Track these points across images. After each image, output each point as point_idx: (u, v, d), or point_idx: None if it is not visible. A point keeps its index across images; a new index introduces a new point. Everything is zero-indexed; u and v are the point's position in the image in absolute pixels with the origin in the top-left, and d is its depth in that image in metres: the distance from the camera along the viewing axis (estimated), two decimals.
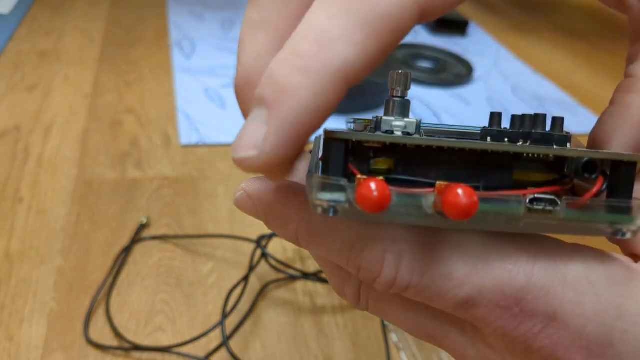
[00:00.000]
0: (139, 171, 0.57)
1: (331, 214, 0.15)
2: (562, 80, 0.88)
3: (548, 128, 0.18)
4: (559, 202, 0.16)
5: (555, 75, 0.90)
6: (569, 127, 0.80)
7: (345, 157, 0.16)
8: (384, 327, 0.43)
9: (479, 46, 0.98)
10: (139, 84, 0.74)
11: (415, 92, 0.79)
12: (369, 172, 0.17)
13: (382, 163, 0.17)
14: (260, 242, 0.48)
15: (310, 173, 0.16)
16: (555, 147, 0.17)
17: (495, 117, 0.18)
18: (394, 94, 0.17)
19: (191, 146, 0.62)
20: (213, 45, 0.87)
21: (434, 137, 0.17)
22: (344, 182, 0.15)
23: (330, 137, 0.15)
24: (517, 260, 0.17)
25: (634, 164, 0.16)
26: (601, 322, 0.16)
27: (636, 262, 0.18)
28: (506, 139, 0.17)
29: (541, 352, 0.17)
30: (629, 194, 0.16)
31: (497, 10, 1.17)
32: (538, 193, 0.16)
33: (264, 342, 0.41)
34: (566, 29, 1.11)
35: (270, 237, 0.49)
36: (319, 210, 0.15)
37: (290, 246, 0.50)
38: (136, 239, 0.48)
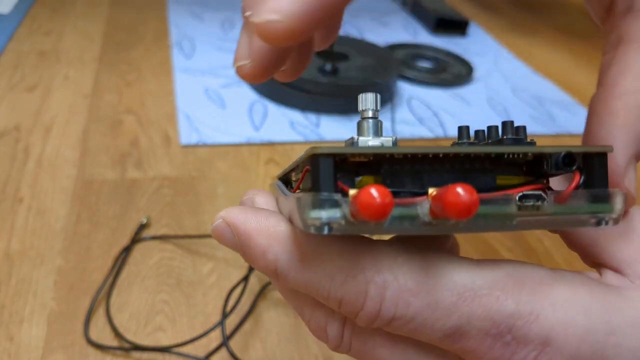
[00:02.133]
0: (139, 171, 0.57)
1: (325, 232, 0.15)
2: (562, 80, 0.88)
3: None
4: (546, 197, 0.17)
5: (555, 75, 0.90)
6: (568, 127, 0.79)
7: (335, 172, 0.16)
8: None
9: (479, 46, 0.98)
10: (139, 84, 0.74)
11: (415, 92, 0.79)
12: (354, 183, 0.17)
13: (367, 180, 0.17)
14: None
15: (299, 197, 0.16)
16: (533, 149, 0.17)
17: (464, 130, 0.18)
18: (365, 115, 0.18)
19: (191, 146, 0.62)
20: (213, 45, 0.87)
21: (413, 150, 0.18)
22: (338, 197, 0.15)
23: (318, 154, 0.16)
24: (504, 286, 0.16)
25: (604, 154, 0.17)
26: (594, 341, 0.16)
27: (599, 272, 0.18)
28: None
29: None
30: (604, 183, 0.17)
31: (497, 10, 1.17)
32: (525, 191, 0.17)
33: (264, 342, 0.41)
34: (566, 29, 1.11)
35: None
36: (312, 229, 0.15)
37: None
38: (136, 239, 0.48)
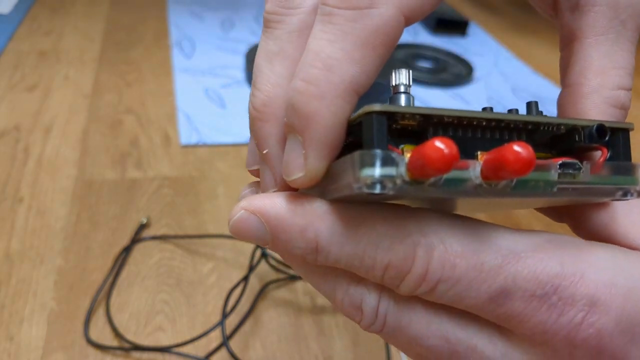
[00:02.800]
0: (139, 171, 0.57)
1: (377, 191, 0.15)
2: None
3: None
4: (582, 166, 0.17)
5: (555, 75, 0.90)
6: None
7: (387, 130, 0.16)
8: None
9: (479, 46, 0.98)
10: (139, 84, 0.74)
11: (415, 92, 0.79)
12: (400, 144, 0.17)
13: (409, 148, 0.17)
14: None
15: (352, 155, 0.16)
16: (569, 120, 0.18)
17: (488, 109, 0.18)
18: (397, 90, 0.18)
19: (191, 146, 0.62)
20: (213, 45, 0.87)
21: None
22: (395, 154, 0.15)
23: (371, 112, 0.15)
24: (546, 250, 0.17)
25: (627, 130, 0.18)
26: (637, 299, 0.16)
27: None
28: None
29: (585, 344, 0.16)
30: (628, 156, 0.18)
31: (497, 10, 1.17)
32: (565, 160, 0.17)
33: (264, 342, 0.41)
34: None
35: None
36: (364, 189, 0.15)
37: None
38: (136, 239, 0.48)
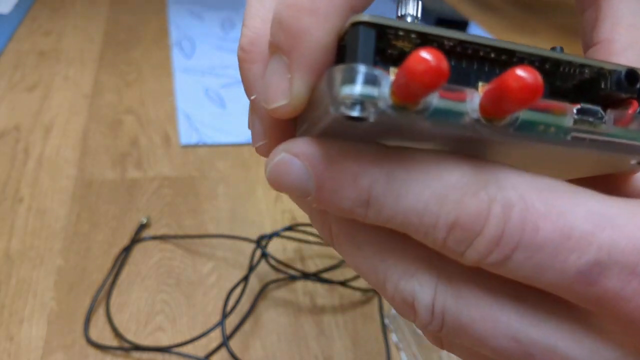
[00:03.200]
0: (139, 171, 0.57)
1: (356, 113, 0.12)
2: None
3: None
4: (605, 115, 0.15)
5: None
6: None
7: (375, 46, 0.13)
8: (384, 327, 0.43)
9: None
10: (139, 84, 0.74)
11: None
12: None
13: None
14: (260, 242, 0.48)
15: (331, 70, 0.13)
16: (596, 62, 0.15)
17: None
18: (408, 14, 0.15)
19: (191, 146, 0.62)
20: (213, 45, 0.87)
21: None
22: (378, 72, 0.12)
23: (358, 22, 0.13)
24: None
25: None
26: None
27: None
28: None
29: None
30: None
31: (497, 10, 1.17)
32: (586, 105, 0.14)
33: (264, 342, 0.41)
34: (566, 29, 1.11)
35: (270, 237, 0.49)
36: (342, 109, 0.12)
37: (291, 246, 0.50)
38: (136, 239, 0.48)
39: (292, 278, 0.46)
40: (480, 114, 0.13)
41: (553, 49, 0.16)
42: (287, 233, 0.50)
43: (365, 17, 0.13)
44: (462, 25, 1.00)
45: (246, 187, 0.56)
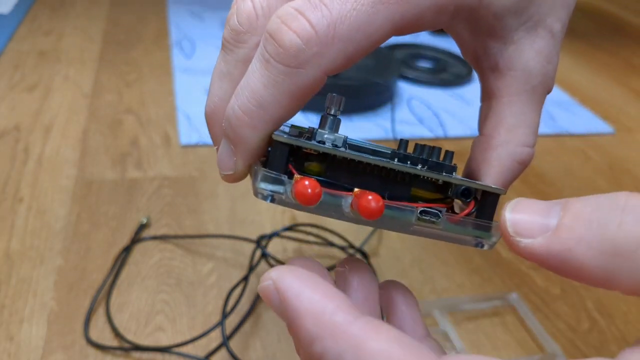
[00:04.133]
0: (139, 171, 0.57)
1: (268, 201, 0.20)
2: (562, 80, 0.88)
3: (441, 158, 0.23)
4: (441, 216, 0.21)
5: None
6: (568, 127, 0.79)
7: (287, 157, 0.20)
8: None
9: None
10: (139, 84, 0.74)
11: (415, 92, 0.79)
12: (303, 172, 0.21)
13: (314, 166, 0.22)
14: (260, 242, 0.48)
15: (256, 168, 0.20)
16: (443, 174, 0.21)
17: (403, 143, 0.22)
18: (329, 112, 0.21)
19: (191, 146, 0.62)
20: (213, 45, 0.87)
21: (355, 152, 0.21)
22: (284, 177, 0.20)
23: (277, 140, 0.20)
24: None
25: (497, 195, 0.22)
26: None
27: None
28: (409, 162, 0.22)
29: None
30: (491, 216, 0.22)
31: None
32: (427, 207, 0.21)
33: (264, 342, 0.41)
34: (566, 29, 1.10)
35: (270, 237, 0.49)
36: (259, 197, 0.20)
37: (290, 246, 0.50)
38: (136, 239, 0.48)
39: None
40: (351, 209, 0.20)
41: (446, 154, 0.22)
42: (287, 233, 0.50)
43: (282, 138, 0.20)
44: None
45: (246, 187, 0.56)
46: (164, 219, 0.51)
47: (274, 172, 0.20)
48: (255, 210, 0.53)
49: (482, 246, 0.22)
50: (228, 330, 0.41)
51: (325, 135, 0.21)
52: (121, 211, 0.52)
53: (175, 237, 0.49)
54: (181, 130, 0.64)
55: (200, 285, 0.45)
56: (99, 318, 0.42)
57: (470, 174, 0.25)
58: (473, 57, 0.26)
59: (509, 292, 0.47)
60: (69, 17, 0.92)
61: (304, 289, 0.17)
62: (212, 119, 0.23)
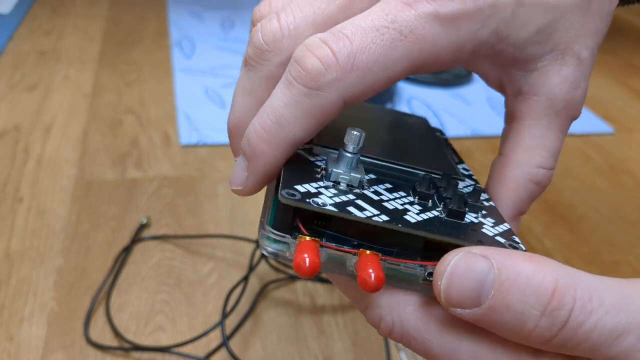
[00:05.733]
0: (139, 171, 0.57)
1: (273, 258, 0.20)
2: None
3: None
4: None
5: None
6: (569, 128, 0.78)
7: (293, 217, 0.20)
8: None
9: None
10: (139, 84, 0.74)
11: (415, 92, 0.79)
12: (312, 225, 0.21)
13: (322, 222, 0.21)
14: None
15: (263, 221, 0.21)
16: (453, 238, 0.20)
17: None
18: (347, 149, 0.21)
19: (191, 146, 0.62)
20: (213, 45, 0.87)
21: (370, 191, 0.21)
22: (288, 239, 0.20)
23: (284, 202, 0.19)
24: None
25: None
26: None
27: None
28: (430, 201, 0.21)
29: None
30: None
31: None
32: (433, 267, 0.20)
33: (264, 342, 0.41)
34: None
35: None
36: (264, 252, 0.20)
37: None
38: (136, 239, 0.48)
39: (292, 278, 0.46)
40: (355, 269, 0.19)
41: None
42: None
43: (286, 200, 0.19)
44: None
45: None
46: (164, 219, 0.51)
47: (278, 233, 0.20)
48: (256, 210, 0.53)
49: None
50: (228, 330, 0.41)
51: (341, 176, 0.21)
52: (121, 211, 0.52)
53: (175, 237, 0.49)
54: (181, 130, 0.64)
55: (200, 285, 0.45)
56: (99, 318, 0.42)
57: (489, 193, 0.25)
58: (497, 85, 0.27)
59: None
60: (69, 17, 0.92)
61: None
62: (233, 133, 0.24)
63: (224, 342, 0.40)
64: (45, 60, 0.78)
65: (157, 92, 0.73)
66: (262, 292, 0.45)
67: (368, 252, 0.20)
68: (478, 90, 0.82)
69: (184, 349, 0.40)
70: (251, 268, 0.46)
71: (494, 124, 0.74)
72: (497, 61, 0.24)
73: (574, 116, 0.25)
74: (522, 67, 0.24)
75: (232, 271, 0.47)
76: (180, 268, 0.47)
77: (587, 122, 0.77)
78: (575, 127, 0.75)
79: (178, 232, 0.50)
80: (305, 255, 0.18)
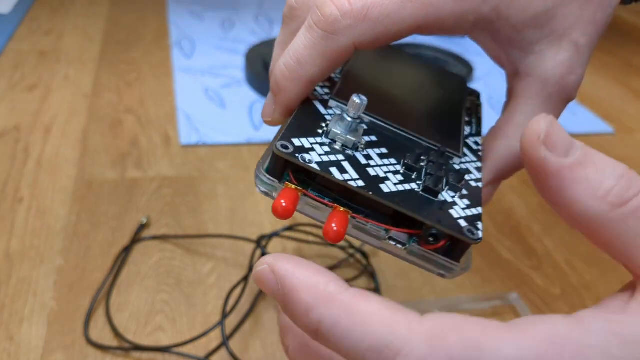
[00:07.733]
0: (139, 171, 0.57)
1: (264, 195, 0.23)
2: None
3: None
4: (407, 245, 0.22)
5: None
6: (568, 126, 0.79)
7: (284, 167, 0.22)
8: None
9: (479, 46, 0.97)
10: (139, 84, 0.74)
11: None
12: (302, 174, 0.22)
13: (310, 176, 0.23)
14: (260, 242, 0.48)
15: (260, 163, 0.23)
16: (420, 212, 0.22)
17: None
18: (348, 113, 0.23)
19: (191, 146, 0.62)
20: (213, 45, 0.87)
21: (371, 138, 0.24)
22: (276, 183, 0.22)
23: (276, 153, 0.21)
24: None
25: (468, 244, 0.22)
26: None
27: (635, 288, 0.19)
28: (415, 173, 0.23)
29: None
30: (458, 258, 0.22)
31: None
32: (398, 232, 0.22)
33: (264, 342, 0.41)
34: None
35: (270, 237, 0.50)
36: (257, 190, 0.23)
37: (290, 246, 0.50)
38: (136, 239, 0.48)
39: None
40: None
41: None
42: (287, 233, 0.50)
43: (278, 152, 0.21)
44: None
45: (246, 187, 0.56)
46: (164, 219, 0.51)
47: (269, 177, 0.22)
48: (255, 210, 0.53)
49: (444, 277, 0.23)
50: (228, 330, 0.41)
51: (338, 136, 0.23)
52: (121, 211, 0.52)
53: (175, 237, 0.49)
54: (181, 130, 0.64)
55: (200, 285, 0.45)
56: (99, 318, 0.42)
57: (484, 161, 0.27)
58: (497, 61, 0.29)
59: (509, 292, 0.47)
60: (69, 17, 0.92)
61: (297, 268, 0.19)
62: (270, 75, 0.27)
63: (224, 342, 0.40)
64: (45, 60, 0.78)
65: (157, 92, 0.73)
66: (262, 292, 0.45)
67: (342, 209, 0.22)
68: (478, 90, 0.82)
69: (184, 349, 0.40)
70: (251, 268, 0.46)
71: None
72: (496, 38, 0.26)
73: (568, 99, 0.26)
74: (520, 48, 0.26)
75: (232, 271, 0.47)
76: (180, 268, 0.47)
77: (587, 122, 0.77)
78: (575, 127, 0.75)
79: (178, 232, 0.50)
80: (282, 201, 0.21)
